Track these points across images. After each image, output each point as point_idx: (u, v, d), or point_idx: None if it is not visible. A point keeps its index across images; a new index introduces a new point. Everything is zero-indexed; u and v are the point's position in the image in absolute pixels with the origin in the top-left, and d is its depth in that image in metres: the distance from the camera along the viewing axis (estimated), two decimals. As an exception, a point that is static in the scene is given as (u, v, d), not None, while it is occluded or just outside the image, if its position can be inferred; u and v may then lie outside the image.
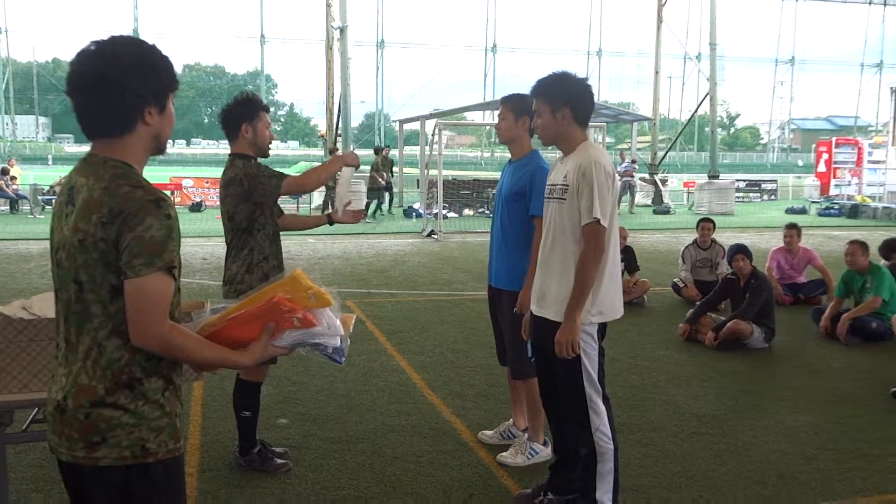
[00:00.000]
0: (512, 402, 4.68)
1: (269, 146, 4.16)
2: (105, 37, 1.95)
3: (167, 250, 1.86)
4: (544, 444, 4.38)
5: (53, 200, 1.97)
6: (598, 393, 3.44)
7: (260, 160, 4.13)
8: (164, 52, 1.99)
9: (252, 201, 3.98)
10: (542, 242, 3.58)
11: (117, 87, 1.88)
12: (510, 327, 4.18)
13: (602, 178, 3.29)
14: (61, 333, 1.99)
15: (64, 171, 28.45)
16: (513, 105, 4.21)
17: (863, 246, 7.53)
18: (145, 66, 1.92)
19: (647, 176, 25.98)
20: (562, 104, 3.39)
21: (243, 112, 4.05)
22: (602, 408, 3.44)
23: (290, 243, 13.69)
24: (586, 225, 3.30)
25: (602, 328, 3.45)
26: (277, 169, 4.26)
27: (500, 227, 4.26)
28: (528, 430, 4.47)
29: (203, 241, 14.79)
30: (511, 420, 4.66)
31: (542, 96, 3.45)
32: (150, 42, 1.99)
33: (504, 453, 4.37)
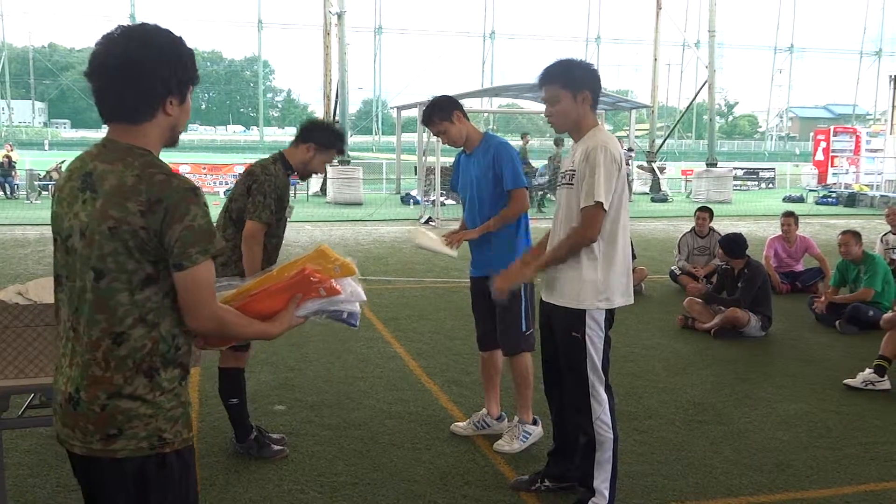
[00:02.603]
0: (486, 390, 4.66)
1: (311, 175, 4.31)
2: (132, 24, 1.96)
3: (214, 236, 1.90)
4: (534, 422, 4.41)
5: (58, 185, 2.00)
6: (601, 381, 3.44)
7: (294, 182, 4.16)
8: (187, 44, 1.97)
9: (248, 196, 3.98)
10: (552, 229, 3.57)
11: (145, 73, 1.88)
12: (503, 307, 4.19)
13: (608, 163, 3.26)
14: (66, 323, 1.95)
15: (60, 156, 28.35)
16: (439, 116, 4.27)
17: (856, 235, 7.54)
18: (173, 55, 1.92)
19: (644, 164, 25.96)
20: (582, 87, 3.35)
21: (320, 137, 4.09)
22: (604, 396, 3.44)
23: (287, 230, 13.62)
24: (585, 207, 3.27)
25: (610, 316, 3.44)
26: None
27: (482, 217, 4.26)
28: (502, 418, 4.57)
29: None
30: (484, 410, 4.63)
31: (559, 81, 3.37)
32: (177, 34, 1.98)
33: (500, 441, 4.38)
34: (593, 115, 3.44)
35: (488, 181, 4.20)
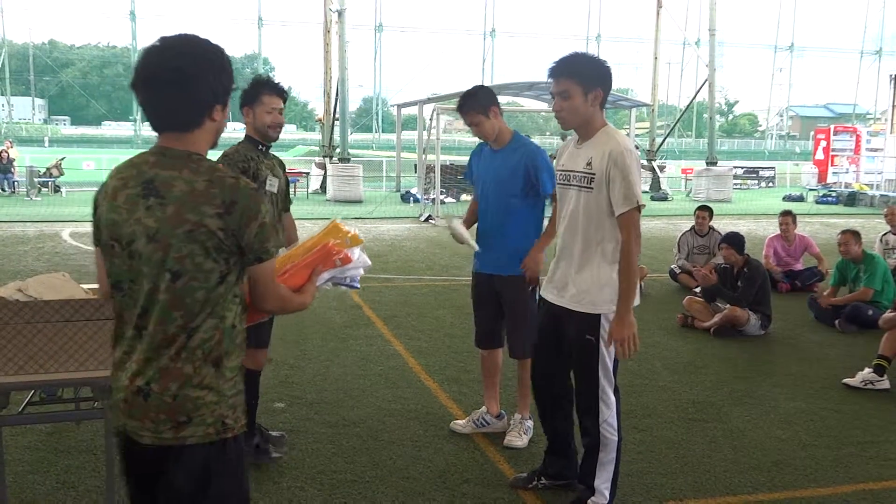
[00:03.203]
0: (485, 388, 4.66)
1: (272, 132, 3.94)
2: (174, 35, 2.04)
3: (278, 230, 2.10)
4: (529, 417, 4.46)
5: (107, 193, 2.04)
6: (611, 384, 3.42)
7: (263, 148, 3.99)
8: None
9: None
10: (559, 232, 3.51)
11: (197, 84, 1.98)
12: (515, 310, 4.22)
13: (634, 166, 3.21)
14: (130, 322, 2.02)
15: (60, 152, 28.33)
16: (478, 107, 4.23)
17: (855, 235, 7.55)
18: (220, 65, 2.03)
19: (644, 162, 25.96)
20: (595, 85, 3.25)
21: (244, 96, 3.95)
22: (612, 399, 3.43)
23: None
24: (624, 213, 3.20)
25: None
26: (275, 153, 4.13)
27: (500, 214, 4.24)
28: (501, 416, 4.59)
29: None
30: (483, 408, 4.63)
31: (574, 76, 3.24)
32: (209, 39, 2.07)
33: (509, 438, 4.39)
34: (602, 114, 3.35)
35: (517, 180, 4.15)
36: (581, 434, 3.50)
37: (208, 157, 2.10)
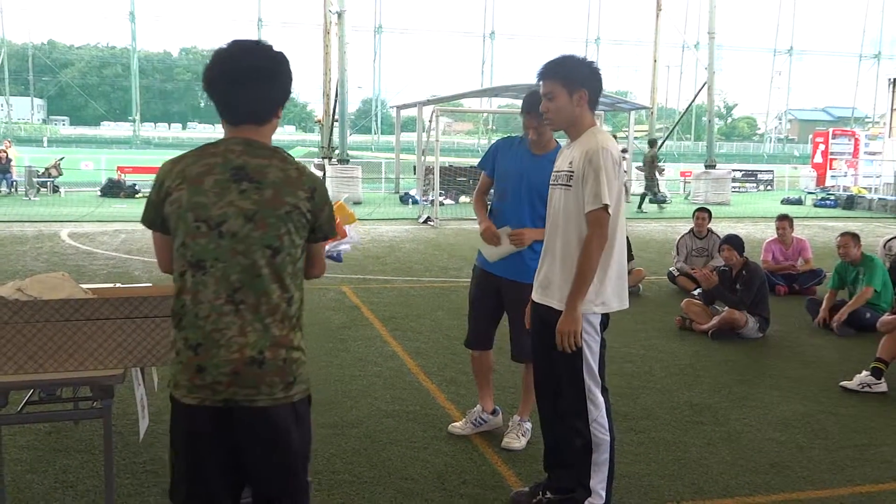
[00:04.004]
0: (479, 387, 4.66)
1: None
2: (246, 39, 2.29)
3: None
4: (528, 420, 4.46)
5: (190, 178, 2.21)
6: (598, 384, 3.42)
7: None
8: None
9: None
10: (546, 230, 3.53)
11: (278, 82, 2.27)
12: (520, 313, 4.08)
13: (609, 165, 3.22)
14: (234, 297, 2.20)
15: (59, 153, 28.31)
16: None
17: (855, 237, 7.56)
18: (289, 68, 2.30)
19: (642, 165, 25.95)
20: (579, 86, 3.29)
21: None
22: (600, 399, 3.43)
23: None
24: (592, 211, 3.23)
25: (605, 319, 3.42)
26: None
27: (519, 215, 4.15)
28: (496, 412, 4.62)
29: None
30: (479, 407, 4.63)
31: (557, 77, 3.30)
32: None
33: (507, 440, 4.39)
34: (591, 114, 3.38)
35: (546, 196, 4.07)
36: (573, 436, 3.49)
37: None
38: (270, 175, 2.21)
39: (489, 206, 4.39)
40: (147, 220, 2.33)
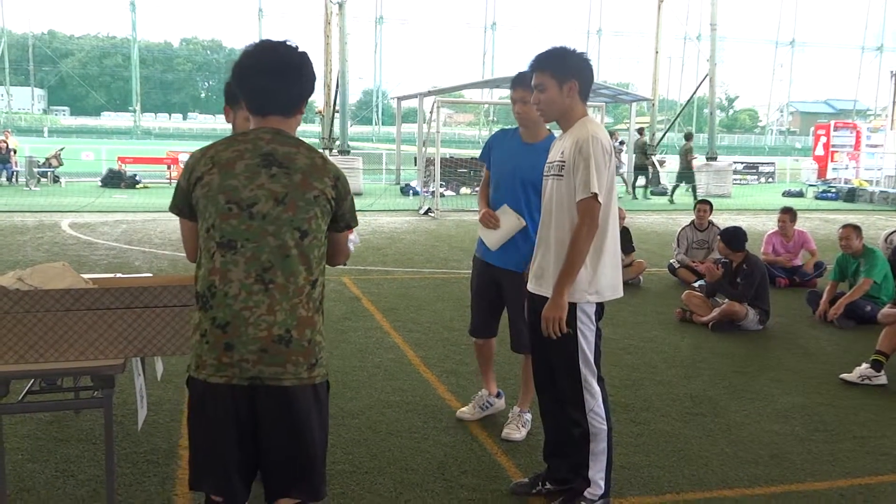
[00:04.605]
0: (483, 372, 4.72)
1: None
2: (274, 39, 2.40)
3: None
4: (528, 411, 4.48)
5: (220, 163, 2.33)
6: (594, 374, 3.43)
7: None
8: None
9: None
10: (540, 220, 3.54)
11: (306, 77, 2.38)
12: (518, 303, 4.13)
13: (599, 154, 3.24)
14: (264, 276, 2.27)
15: (59, 143, 28.29)
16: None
17: (856, 229, 7.55)
18: (313, 67, 2.41)
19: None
20: (570, 77, 3.31)
21: (228, 90, 3.35)
22: (597, 388, 3.43)
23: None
24: (582, 200, 3.24)
25: (600, 308, 3.43)
26: None
27: (514, 209, 4.15)
28: (500, 395, 4.71)
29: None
30: (484, 391, 4.70)
31: (547, 69, 3.33)
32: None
33: (507, 430, 4.40)
34: (582, 105, 3.39)
35: (540, 185, 4.10)
36: (570, 426, 3.50)
37: None
38: (299, 161, 2.32)
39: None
40: (175, 207, 2.42)
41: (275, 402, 2.31)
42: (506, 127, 4.66)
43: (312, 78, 2.42)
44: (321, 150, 2.39)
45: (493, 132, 4.59)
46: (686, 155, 21.63)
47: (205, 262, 2.33)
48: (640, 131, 23.38)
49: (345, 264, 2.69)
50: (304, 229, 2.31)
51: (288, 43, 2.38)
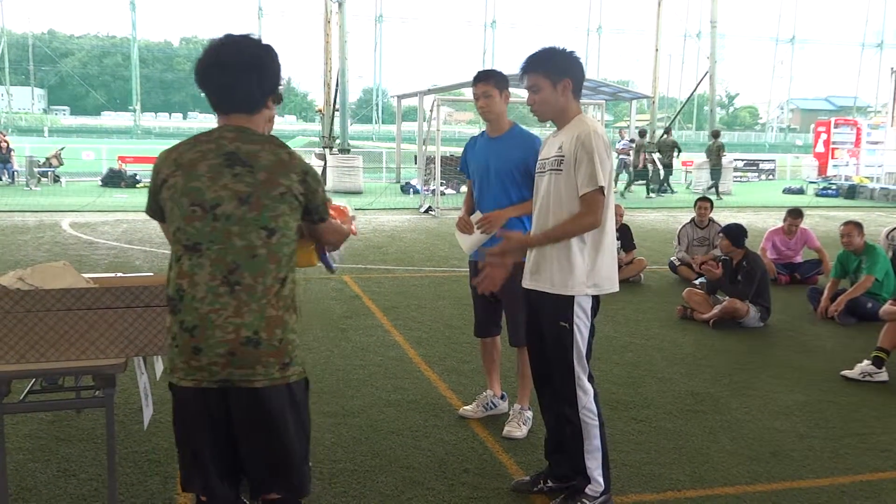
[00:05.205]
0: (488, 372, 4.73)
1: None
2: (233, 34, 2.35)
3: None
4: (528, 408, 4.48)
5: (184, 164, 2.31)
6: (585, 370, 3.43)
7: None
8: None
9: None
10: (534, 216, 3.54)
11: (267, 71, 2.33)
12: (512, 297, 4.15)
13: (601, 148, 3.26)
14: (230, 278, 2.25)
15: (60, 142, 28.28)
16: (495, 81, 4.25)
17: (858, 226, 7.55)
18: (278, 60, 2.37)
19: (644, 154, 25.93)
20: (562, 76, 3.34)
21: None
22: (588, 385, 3.43)
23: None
24: (588, 192, 3.24)
25: (596, 304, 3.44)
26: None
27: (496, 204, 4.23)
28: (504, 397, 4.70)
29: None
30: (490, 391, 4.70)
31: (540, 70, 3.36)
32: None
33: (508, 428, 4.41)
34: (576, 103, 3.42)
35: (517, 170, 4.16)
36: (563, 424, 3.50)
37: None
38: (263, 159, 2.28)
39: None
40: (149, 209, 2.42)
41: (247, 404, 2.29)
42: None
43: (276, 71, 2.36)
44: (289, 147, 2.41)
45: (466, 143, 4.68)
46: (717, 152, 22.10)
47: (174, 264, 2.31)
48: (668, 131, 23.63)
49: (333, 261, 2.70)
50: (272, 227, 2.27)
51: (250, 36, 2.34)
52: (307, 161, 2.40)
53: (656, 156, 25.45)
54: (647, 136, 23.88)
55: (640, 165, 22.14)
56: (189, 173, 2.27)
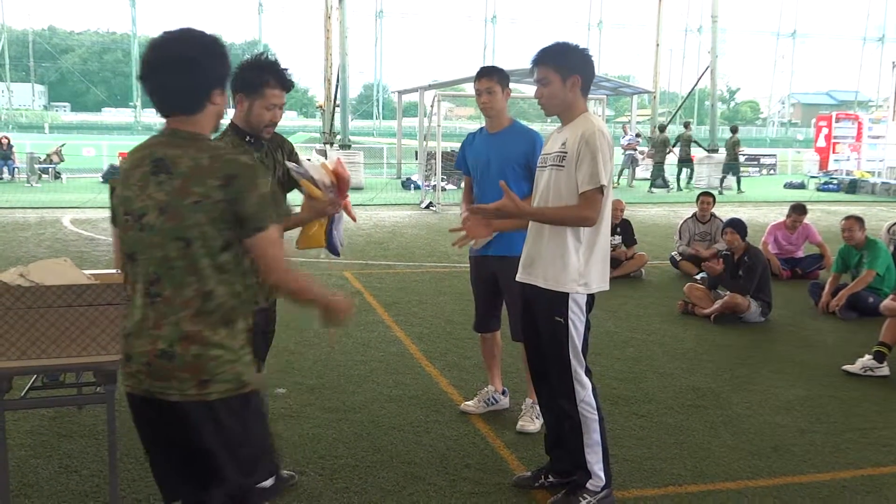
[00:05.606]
0: (489, 368, 4.74)
1: (267, 131, 3.33)
2: (175, 29, 2.23)
3: (280, 203, 2.27)
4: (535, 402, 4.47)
5: (124, 171, 2.27)
6: (582, 365, 3.44)
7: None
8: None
9: None
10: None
11: (199, 69, 2.19)
12: (513, 291, 4.16)
13: (605, 148, 3.27)
14: (150, 289, 2.19)
15: (60, 139, 28.29)
16: (499, 77, 4.26)
17: (859, 221, 7.54)
18: (217, 52, 2.23)
19: (646, 149, 25.92)
20: (573, 72, 3.35)
21: (241, 79, 3.26)
22: (586, 379, 3.44)
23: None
24: (587, 191, 3.25)
25: (591, 300, 3.44)
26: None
27: (497, 198, 4.21)
28: (505, 392, 4.72)
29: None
30: (491, 387, 4.71)
31: (551, 64, 3.37)
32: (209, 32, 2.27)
33: (521, 423, 4.41)
34: (583, 100, 3.43)
35: (517, 164, 4.17)
36: (562, 418, 3.50)
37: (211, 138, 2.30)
38: (181, 165, 2.16)
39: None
40: (112, 217, 2.41)
41: (167, 418, 2.25)
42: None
43: (212, 67, 2.21)
44: (223, 148, 2.25)
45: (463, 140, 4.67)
46: (734, 147, 22.43)
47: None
48: (687, 125, 23.72)
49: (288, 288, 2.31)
50: (188, 238, 2.15)
51: (185, 32, 2.22)
52: (245, 160, 2.20)
53: (676, 149, 25.43)
54: (692, 130, 24.09)
55: (670, 158, 22.44)
56: (125, 182, 2.24)
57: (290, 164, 3.30)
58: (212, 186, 2.12)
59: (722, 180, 22.13)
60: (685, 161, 22.69)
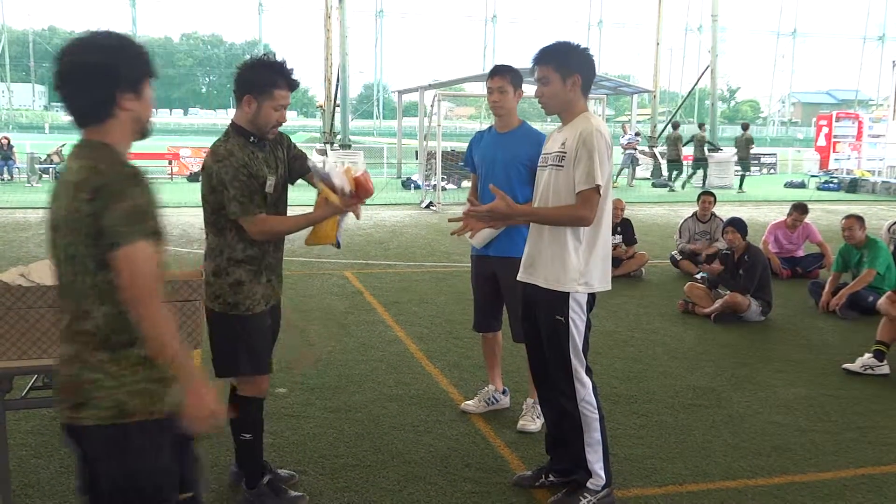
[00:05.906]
0: (489, 367, 4.75)
1: (272, 132, 3.35)
2: (88, 32, 2.10)
3: (150, 217, 2.01)
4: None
5: (55, 188, 2.15)
6: (583, 364, 3.45)
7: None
8: (138, 43, 2.13)
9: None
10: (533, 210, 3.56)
11: (91, 76, 2.02)
12: (514, 291, 4.16)
13: (603, 148, 3.28)
14: (57, 303, 2.18)
15: (61, 139, 28.27)
16: (512, 77, 4.25)
17: (859, 220, 7.53)
18: (125, 55, 2.06)
19: (646, 149, 25.95)
20: (573, 71, 3.36)
21: (250, 80, 3.25)
22: (586, 378, 3.45)
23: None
24: (584, 190, 3.26)
25: (591, 299, 3.45)
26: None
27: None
28: (506, 392, 4.73)
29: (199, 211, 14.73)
30: (491, 386, 4.72)
31: (551, 63, 3.38)
32: (124, 32, 2.17)
33: (522, 422, 4.42)
34: (583, 100, 3.44)
35: (523, 166, 4.16)
36: (563, 417, 3.51)
37: (131, 145, 2.16)
38: (70, 178, 2.04)
39: None
40: None
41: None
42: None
43: (114, 73, 2.02)
44: (103, 155, 2.05)
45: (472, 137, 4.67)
46: (746, 145, 22.75)
47: None
48: (702, 126, 23.89)
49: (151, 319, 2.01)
50: (71, 254, 2.04)
51: (90, 37, 2.07)
52: (120, 171, 2.03)
53: (658, 149, 25.45)
54: (706, 130, 24.18)
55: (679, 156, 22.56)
56: (52, 197, 2.14)
57: (313, 164, 3.39)
58: (82, 200, 1.97)
59: (741, 179, 22.56)
60: (700, 160, 22.72)
